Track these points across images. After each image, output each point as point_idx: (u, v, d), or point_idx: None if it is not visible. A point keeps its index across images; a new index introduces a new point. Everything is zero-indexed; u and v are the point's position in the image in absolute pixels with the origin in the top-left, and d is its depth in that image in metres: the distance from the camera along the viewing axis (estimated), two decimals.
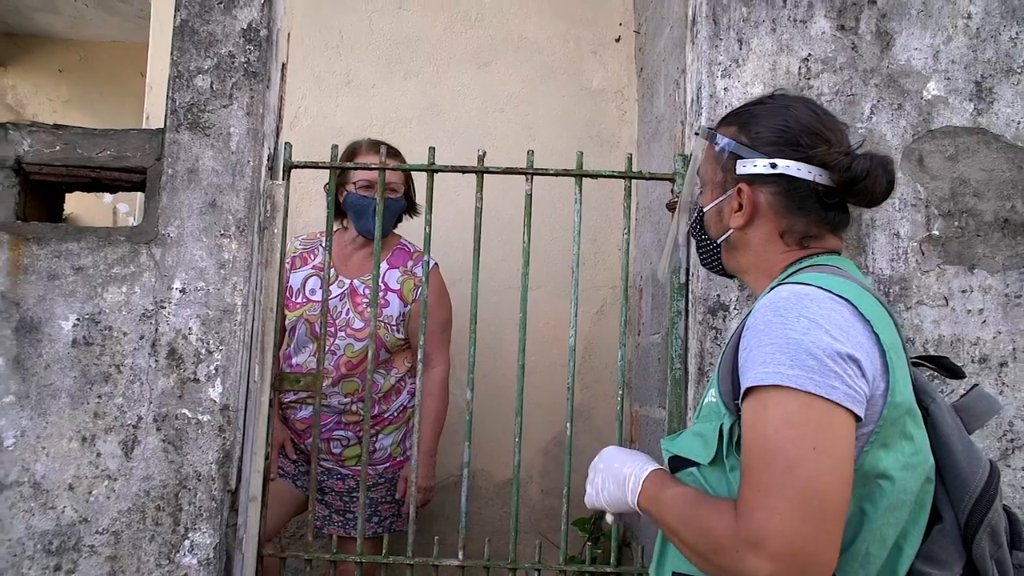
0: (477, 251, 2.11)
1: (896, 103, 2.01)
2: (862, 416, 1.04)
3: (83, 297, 1.97)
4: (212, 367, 1.95)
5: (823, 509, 0.98)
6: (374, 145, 2.39)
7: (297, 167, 2.14)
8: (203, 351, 1.95)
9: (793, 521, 0.97)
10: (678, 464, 1.23)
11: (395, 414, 2.50)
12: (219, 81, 2.02)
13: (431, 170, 2.12)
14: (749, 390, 1.06)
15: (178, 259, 1.97)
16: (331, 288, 2.48)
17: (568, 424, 2.08)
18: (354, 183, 2.44)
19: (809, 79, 2.01)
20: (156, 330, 1.96)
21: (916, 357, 1.39)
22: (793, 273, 1.22)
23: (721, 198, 1.30)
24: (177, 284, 1.96)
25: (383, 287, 2.48)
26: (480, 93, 3.25)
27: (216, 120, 2.00)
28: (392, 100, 3.23)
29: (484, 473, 3.13)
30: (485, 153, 2.14)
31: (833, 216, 1.26)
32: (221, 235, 1.97)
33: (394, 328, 2.47)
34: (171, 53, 2.04)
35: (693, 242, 1.43)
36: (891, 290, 1.96)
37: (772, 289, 1.18)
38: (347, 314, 2.46)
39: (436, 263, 2.55)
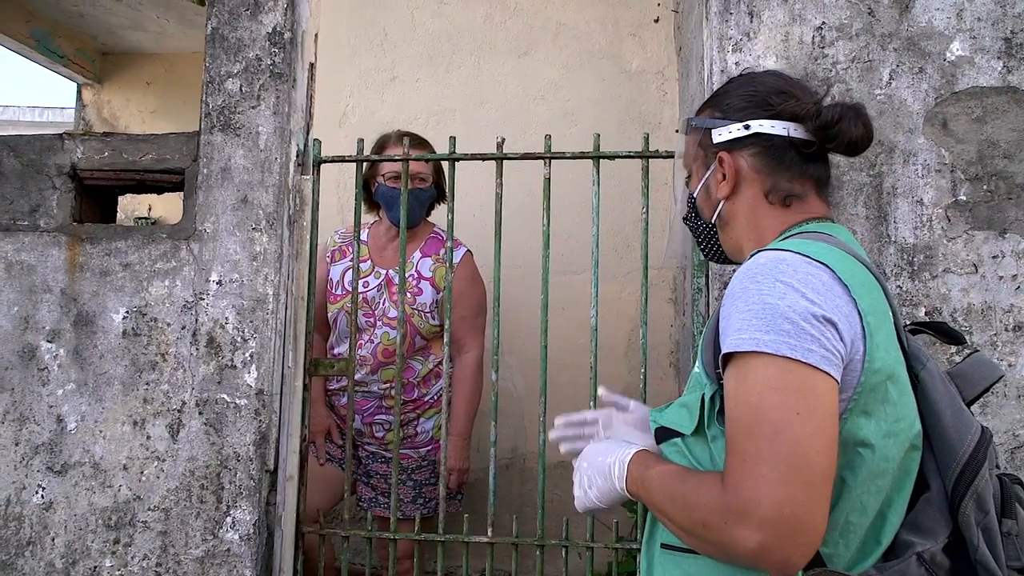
0: (499, 236, 2.16)
1: (917, 67, 1.95)
2: (839, 379, 1.02)
3: (131, 291, 2.11)
4: (247, 354, 2.06)
5: (811, 473, 0.97)
6: (402, 137, 2.45)
7: (325, 162, 2.24)
8: (239, 339, 2.07)
9: (781, 487, 0.96)
10: (664, 435, 1.23)
11: (435, 398, 2.57)
12: (247, 84, 2.13)
13: (452, 159, 2.17)
14: (728, 358, 1.06)
15: (214, 253, 2.09)
16: (368, 279, 2.57)
17: (592, 404, 2.12)
18: (383, 175, 2.52)
19: (823, 48, 1.97)
20: (196, 320, 2.09)
21: (914, 323, 1.35)
22: (781, 241, 1.20)
23: (706, 175, 1.30)
24: (214, 276, 2.09)
25: (416, 275, 2.55)
26: (521, 81, 3.29)
27: (246, 121, 2.12)
28: (436, 93, 3.31)
29: (535, 456, 3.17)
30: (504, 140, 2.18)
31: (814, 170, 1.24)
32: (253, 229, 2.08)
33: (428, 315, 2.53)
34: (204, 60, 2.16)
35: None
36: (915, 259, 1.90)
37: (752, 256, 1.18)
38: (384, 303, 2.54)
39: (469, 250, 2.60)
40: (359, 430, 2.57)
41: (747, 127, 1.23)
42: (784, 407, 0.99)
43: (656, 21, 3.22)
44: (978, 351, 1.36)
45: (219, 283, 2.09)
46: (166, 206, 5.58)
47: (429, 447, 2.58)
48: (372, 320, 2.54)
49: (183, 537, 2.05)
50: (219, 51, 2.15)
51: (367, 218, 2.70)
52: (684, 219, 1.40)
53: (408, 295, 2.51)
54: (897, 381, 1.09)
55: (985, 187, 1.91)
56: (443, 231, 2.65)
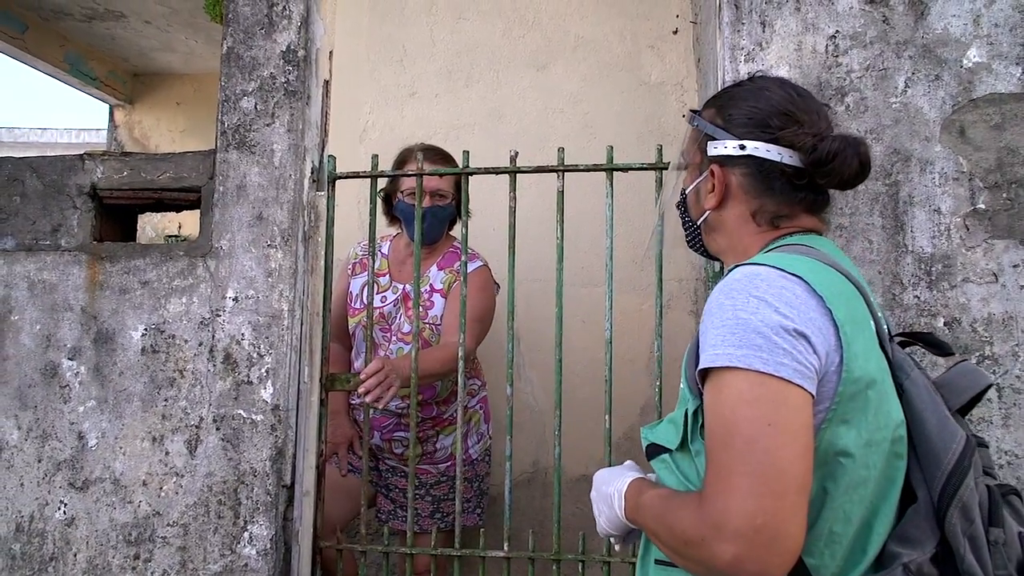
0: (512, 249, 2.16)
1: (933, 74, 1.92)
2: (813, 392, 1.04)
3: (149, 309, 2.14)
4: (263, 370, 2.08)
5: (783, 484, 0.98)
6: (423, 152, 2.44)
7: (340, 178, 2.25)
8: (255, 355, 2.09)
9: (752, 499, 0.97)
10: (654, 451, 1.25)
11: (454, 415, 2.56)
12: (262, 102, 2.15)
13: (465, 173, 2.18)
14: (705, 374, 1.08)
15: (230, 270, 2.11)
16: (386, 294, 2.58)
17: (607, 416, 2.11)
18: (402, 191, 2.52)
19: (837, 56, 1.95)
20: (213, 337, 2.11)
21: (901, 333, 1.36)
22: (761, 255, 1.21)
23: (698, 179, 1.32)
24: (230, 293, 2.11)
25: (429, 289, 2.55)
26: (540, 95, 3.29)
27: (260, 138, 2.14)
28: (455, 108, 3.32)
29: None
30: (517, 154, 2.19)
31: (804, 197, 1.25)
32: (268, 246, 2.10)
33: (438, 328, 2.52)
34: (220, 79, 2.19)
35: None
36: (933, 268, 1.87)
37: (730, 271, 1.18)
38: (399, 319, 2.54)
39: (485, 264, 2.60)
40: (379, 446, 2.58)
41: (742, 147, 1.24)
42: (756, 420, 1.00)
43: (675, 33, 3.21)
44: (965, 360, 1.35)
45: (235, 299, 2.11)
46: (195, 224, 5.67)
47: (448, 463, 2.57)
48: (388, 335, 2.54)
49: (201, 552, 2.06)
50: (234, 70, 2.18)
51: (391, 231, 2.71)
52: (676, 205, 1.42)
53: (420, 309, 2.50)
54: (878, 389, 1.09)
55: (1004, 195, 1.87)
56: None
